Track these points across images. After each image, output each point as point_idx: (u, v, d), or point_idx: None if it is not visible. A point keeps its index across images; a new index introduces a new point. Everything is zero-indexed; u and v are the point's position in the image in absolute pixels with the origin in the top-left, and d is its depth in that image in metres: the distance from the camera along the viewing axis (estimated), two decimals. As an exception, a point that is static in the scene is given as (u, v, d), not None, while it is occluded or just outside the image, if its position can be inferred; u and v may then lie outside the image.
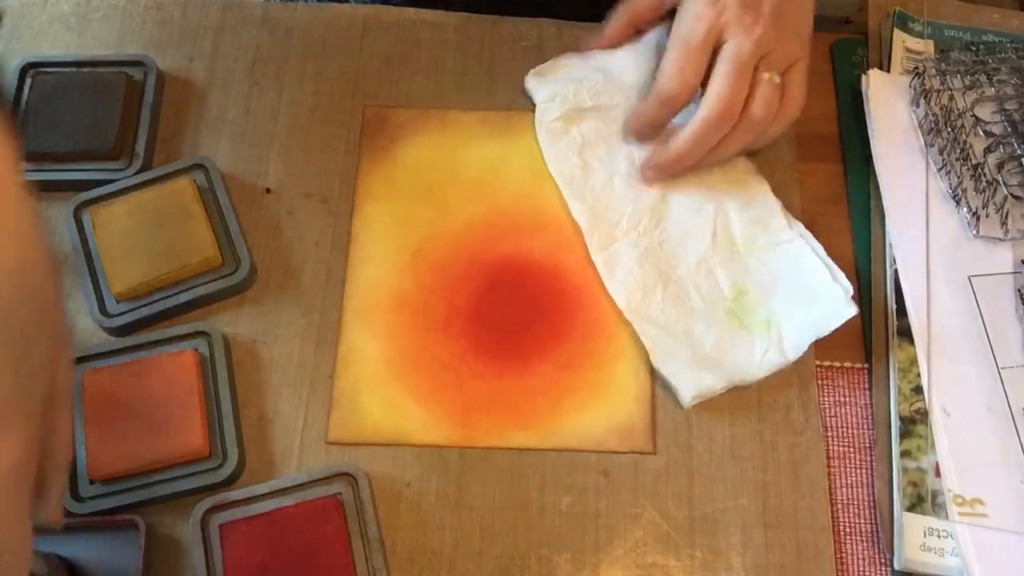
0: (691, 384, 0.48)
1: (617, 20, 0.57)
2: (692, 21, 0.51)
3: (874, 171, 0.55)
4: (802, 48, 0.52)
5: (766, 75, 0.51)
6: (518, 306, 0.51)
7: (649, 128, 0.54)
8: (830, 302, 0.49)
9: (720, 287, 0.51)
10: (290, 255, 0.52)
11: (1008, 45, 0.57)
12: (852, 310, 0.49)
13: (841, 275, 0.50)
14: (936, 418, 0.48)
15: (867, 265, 0.53)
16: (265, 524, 0.44)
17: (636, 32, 0.58)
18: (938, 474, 0.46)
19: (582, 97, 0.56)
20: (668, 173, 0.53)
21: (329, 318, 0.51)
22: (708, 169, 0.54)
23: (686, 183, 0.54)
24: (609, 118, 0.56)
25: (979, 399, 0.48)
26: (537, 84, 0.56)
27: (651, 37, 0.57)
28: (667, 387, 0.49)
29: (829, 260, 0.51)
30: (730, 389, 0.49)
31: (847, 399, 0.49)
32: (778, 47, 0.51)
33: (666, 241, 0.52)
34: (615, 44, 0.58)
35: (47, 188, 0.53)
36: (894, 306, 0.51)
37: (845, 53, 0.59)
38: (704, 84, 0.51)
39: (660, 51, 0.54)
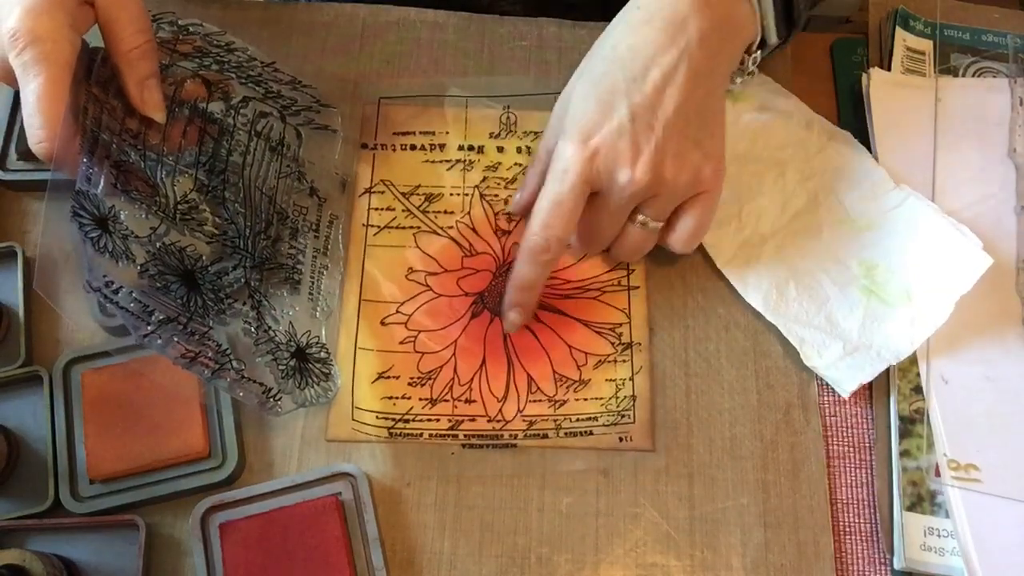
0: (849, 379, 0.48)
1: (532, 177, 0.51)
2: (561, 173, 0.45)
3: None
4: (713, 178, 0.46)
5: (639, 220, 0.47)
6: (518, 306, 0.51)
7: (530, 292, 0.48)
8: (962, 257, 0.48)
9: (849, 268, 0.51)
10: (290, 255, 0.52)
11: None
12: (987, 260, 0.48)
13: (965, 228, 0.49)
14: (933, 385, 0.48)
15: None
16: (265, 524, 0.44)
17: None
18: (938, 473, 0.46)
19: None
20: (528, 311, 0.49)
21: (328, 317, 0.51)
22: (808, 161, 0.53)
23: (792, 182, 0.53)
24: None
25: (978, 369, 0.49)
26: None
27: None
28: (667, 386, 0.49)
29: (948, 217, 0.50)
30: (730, 389, 0.49)
31: (847, 399, 0.49)
32: (666, 189, 0.45)
33: (786, 237, 0.52)
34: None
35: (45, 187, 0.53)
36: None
37: (845, 52, 0.59)
38: None
39: None
